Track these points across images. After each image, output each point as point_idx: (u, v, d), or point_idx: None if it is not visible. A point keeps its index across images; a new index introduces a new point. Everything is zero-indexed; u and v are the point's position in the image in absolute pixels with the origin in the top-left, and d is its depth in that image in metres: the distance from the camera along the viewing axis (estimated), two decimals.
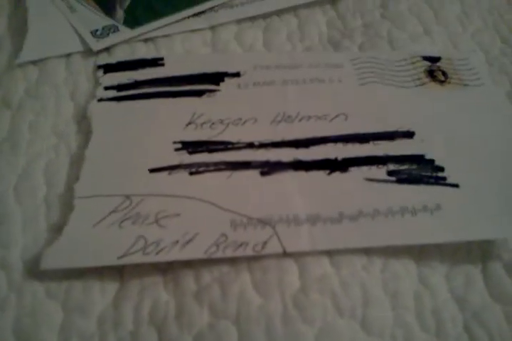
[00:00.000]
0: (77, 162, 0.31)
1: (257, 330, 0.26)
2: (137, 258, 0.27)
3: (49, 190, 0.30)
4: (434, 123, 0.33)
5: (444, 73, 0.37)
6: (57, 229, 0.28)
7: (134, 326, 0.26)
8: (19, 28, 0.38)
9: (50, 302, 0.27)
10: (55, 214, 0.29)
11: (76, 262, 0.27)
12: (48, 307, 0.27)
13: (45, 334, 0.26)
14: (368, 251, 0.29)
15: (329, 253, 0.28)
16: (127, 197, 0.29)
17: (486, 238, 0.29)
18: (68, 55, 0.37)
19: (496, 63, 0.38)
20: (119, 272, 0.28)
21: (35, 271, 0.27)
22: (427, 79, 0.36)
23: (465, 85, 0.36)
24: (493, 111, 0.35)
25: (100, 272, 0.28)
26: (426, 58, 0.38)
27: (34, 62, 0.36)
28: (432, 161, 0.31)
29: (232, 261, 0.28)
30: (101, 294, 0.27)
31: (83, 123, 0.33)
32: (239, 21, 0.40)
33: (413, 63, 0.37)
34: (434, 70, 0.37)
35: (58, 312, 0.27)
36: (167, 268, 0.28)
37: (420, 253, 0.29)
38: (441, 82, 0.36)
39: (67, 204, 0.29)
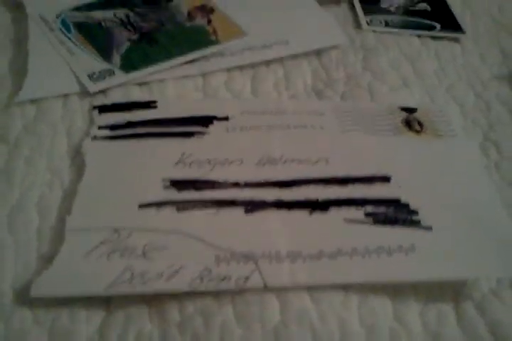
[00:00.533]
0: (69, 196, 0.32)
1: None
2: (123, 289, 0.28)
3: (41, 221, 0.32)
4: (409, 169, 0.36)
5: (419, 123, 0.39)
6: (47, 259, 0.29)
7: None
8: (20, 69, 0.40)
9: (37, 328, 0.28)
10: (47, 244, 0.31)
11: (65, 291, 0.28)
12: (34, 334, 0.27)
13: None
14: (346, 288, 0.30)
15: (309, 288, 0.30)
16: (116, 230, 0.30)
17: (458, 278, 0.31)
18: (66, 96, 0.39)
19: (469, 116, 0.41)
20: (106, 301, 0.29)
21: (24, 298, 0.28)
22: (404, 129, 0.39)
23: (439, 135, 0.38)
24: (465, 161, 0.37)
25: (87, 301, 0.29)
26: (404, 109, 0.40)
27: (32, 101, 0.38)
28: (407, 205, 0.33)
29: (216, 293, 0.29)
30: (87, 322, 0.28)
31: (76, 159, 0.35)
32: (229, 69, 0.42)
33: (391, 113, 0.40)
34: (411, 120, 0.39)
35: (44, 339, 0.27)
36: (152, 299, 0.29)
37: (395, 290, 0.31)
38: (417, 132, 0.38)
39: (59, 235, 0.30)
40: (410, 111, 0.40)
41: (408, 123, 0.39)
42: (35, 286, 0.28)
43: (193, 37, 0.43)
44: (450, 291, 0.31)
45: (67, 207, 0.32)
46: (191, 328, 0.28)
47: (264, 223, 0.32)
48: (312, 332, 0.28)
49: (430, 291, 0.31)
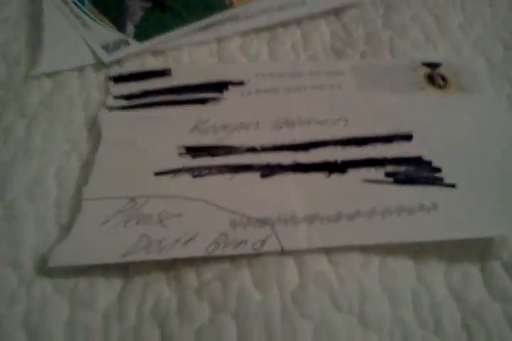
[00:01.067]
0: (87, 166, 0.33)
1: (255, 325, 0.27)
2: (140, 256, 0.28)
3: (60, 192, 0.32)
4: (432, 126, 0.34)
5: (443, 78, 0.37)
6: (66, 229, 0.30)
7: (137, 321, 0.27)
8: (36, 43, 0.40)
9: (57, 297, 0.28)
10: (65, 215, 0.31)
11: (83, 260, 0.28)
12: (55, 302, 0.28)
13: (53, 327, 0.27)
14: (365, 250, 0.29)
15: (327, 251, 0.29)
16: (132, 198, 0.30)
17: (483, 236, 0.30)
18: (81, 68, 0.39)
19: (497, 69, 0.39)
20: (124, 269, 0.29)
21: (44, 268, 0.29)
22: (426, 84, 0.37)
23: (464, 91, 0.37)
24: (491, 116, 0.35)
25: (106, 269, 0.29)
26: (426, 64, 0.38)
27: (48, 75, 0.38)
28: (429, 163, 0.32)
29: (233, 258, 0.29)
30: (106, 290, 0.29)
31: (93, 130, 0.35)
32: (244, 33, 0.41)
33: (413, 69, 0.38)
34: (434, 75, 0.38)
35: (65, 306, 0.28)
36: (170, 266, 0.29)
37: (418, 251, 0.30)
38: (441, 87, 0.37)
39: (77, 205, 0.31)
40: (433, 66, 0.38)
41: (431, 79, 0.37)
42: (53, 256, 0.28)
43: (206, 2, 0.42)
44: (476, 251, 0.30)
45: (85, 177, 0.32)
46: (209, 293, 0.28)
47: (280, 187, 0.31)
48: (331, 295, 0.28)
49: (455, 252, 0.30)
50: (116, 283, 0.29)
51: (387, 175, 0.32)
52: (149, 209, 0.30)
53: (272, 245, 0.29)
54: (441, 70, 0.38)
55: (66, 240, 0.29)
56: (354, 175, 0.32)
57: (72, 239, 0.29)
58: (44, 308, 0.28)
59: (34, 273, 0.29)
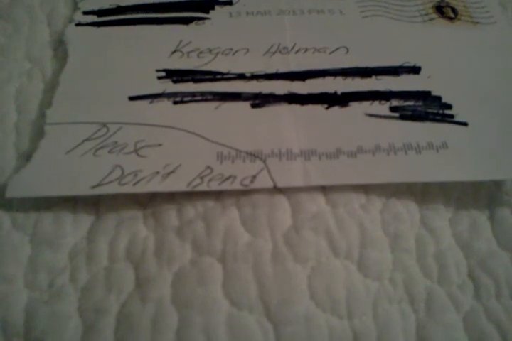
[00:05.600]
0: (51, 88, 0.28)
1: (243, 268, 0.24)
2: (113, 189, 0.24)
3: (20, 116, 0.28)
4: (442, 59, 0.31)
5: (453, 10, 0.34)
6: (26, 158, 0.26)
7: (108, 261, 0.24)
8: None
9: (17, 234, 0.25)
10: (26, 141, 0.27)
11: (45, 191, 0.24)
12: (14, 239, 0.25)
13: (11, 267, 0.24)
14: (367, 190, 0.26)
15: (324, 190, 0.26)
16: (104, 124, 0.26)
17: (495, 178, 0.27)
18: None
19: (509, 6, 0.35)
20: (95, 204, 0.26)
21: (1, 200, 0.25)
22: (435, 15, 0.33)
23: (476, 23, 0.33)
24: (505, 50, 0.32)
25: (73, 204, 0.25)
26: None
27: None
28: (439, 98, 0.29)
29: (218, 195, 0.26)
30: (73, 227, 0.25)
31: (60, 49, 0.30)
32: None
33: None
34: (443, 6, 0.34)
35: (26, 244, 0.24)
36: (147, 202, 0.26)
37: (423, 195, 0.27)
38: (451, 19, 0.33)
39: (39, 131, 0.27)
40: None
41: (440, 10, 0.34)
42: (11, 186, 0.24)
43: None
44: (485, 197, 0.27)
45: (49, 100, 0.28)
46: (192, 233, 0.25)
47: (273, 118, 0.28)
48: (328, 238, 0.25)
49: (462, 197, 0.27)
50: (85, 220, 0.25)
51: (393, 109, 0.28)
52: (124, 138, 0.26)
53: (263, 181, 0.25)
54: (451, 1, 0.34)
55: (26, 168, 0.25)
56: (356, 108, 0.28)
57: (33, 167, 0.25)
58: (1, 247, 0.24)
59: None
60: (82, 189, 0.24)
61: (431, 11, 0.34)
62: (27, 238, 0.25)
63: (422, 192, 0.27)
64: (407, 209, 0.26)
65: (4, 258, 0.24)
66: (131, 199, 0.26)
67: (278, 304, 0.23)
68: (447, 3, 0.34)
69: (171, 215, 0.25)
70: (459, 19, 0.33)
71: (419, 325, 0.24)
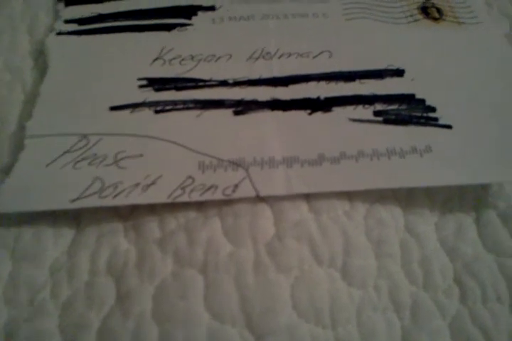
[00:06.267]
0: (31, 100, 0.28)
1: (225, 279, 0.24)
2: (92, 202, 0.24)
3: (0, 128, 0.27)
4: (426, 61, 0.31)
5: (438, 10, 0.34)
6: (6, 172, 0.26)
7: (89, 276, 0.24)
8: None
9: None
10: (5, 155, 0.27)
11: (25, 206, 0.24)
12: None
13: None
14: (350, 197, 0.26)
15: (307, 197, 0.26)
16: (84, 136, 0.26)
17: (480, 182, 0.26)
18: None
19: (494, 4, 0.35)
20: (75, 218, 0.25)
21: None
22: (420, 16, 0.33)
23: (461, 23, 0.33)
24: (490, 50, 0.32)
25: (54, 218, 0.25)
26: None
27: None
28: (422, 101, 0.29)
29: (200, 206, 0.25)
30: (54, 241, 0.25)
31: (40, 59, 0.30)
32: None
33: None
34: (428, 7, 0.34)
35: (6, 260, 0.24)
36: (128, 215, 0.25)
37: (408, 200, 0.27)
38: (436, 19, 0.33)
39: (19, 144, 0.26)
40: None
41: (425, 10, 0.33)
42: None
43: None
44: (470, 200, 0.27)
45: (29, 112, 0.27)
46: (173, 245, 0.25)
47: (256, 125, 0.27)
48: (311, 246, 0.25)
49: (447, 201, 0.27)
50: (66, 234, 0.25)
51: (376, 113, 0.28)
52: (104, 149, 0.26)
53: (245, 190, 0.25)
54: (436, 1, 0.34)
55: (6, 183, 0.25)
56: (339, 113, 0.28)
57: (12, 181, 0.25)
58: None
59: None
60: (62, 203, 0.24)
61: (416, 11, 0.33)
62: (7, 254, 0.24)
63: (407, 197, 0.27)
64: (391, 215, 0.26)
65: None
66: (112, 212, 0.25)
67: (260, 314, 0.23)
68: (432, 3, 0.34)
69: (152, 227, 0.25)
70: (444, 19, 0.33)
71: (405, 332, 0.23)
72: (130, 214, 0.25)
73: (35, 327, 0.23)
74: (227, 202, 0.25)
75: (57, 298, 0.23)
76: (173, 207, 0.25)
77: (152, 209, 0.25)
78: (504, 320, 0.24)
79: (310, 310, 0.23)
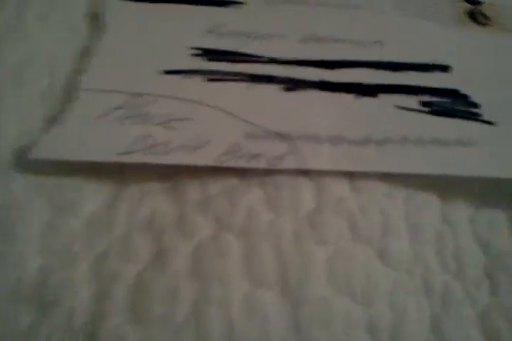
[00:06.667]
0: (86, 57, 0.28)
1: (264, 246, 0.23)
2: (140, 157, 0.24)
3: (52, 81, 0.27)
4: (471, 61, 0.31)
5: (485, 16, 0.34)
6: (55, 121, 0.26)
7: (127, 231, 0.24)
8: None
9: (35, 196, 0.24)
10: (56, 105, 0.27)
11: (70, 155, 0.24)
12: (32, 202, 0.24)
13: (28, 230, 0.23)
14: (391, 180, 0.26)
15: (350, 176, 0.26)
16: (135, 95, 0.26)
17: None
18: None
19: None
20: (118, 173, 0.25)
21: (24, 162, 0.24)
22: (467, 20, 0.34)
23: (509, 31, 0.33)
24: None
25: (96, 171, 0.25)
26: (468, 1, 0.35)
27: None
28: (466, 96, 0.29)
29: (243, 174, 0.25)
30: (94, 194, 0.25)
31: (96, 20, 0.30)
32: None
33: (454, 3, 0.34)
34: (476, 12, 0.34)
35: (43, 208, 0.24)
36: (171, 175, 0.25)
37: (445, 190, 0.27)
38: (483, 25, 0.34)
39: (69, 97, 0.26)
40: (475, 3, 0.35)
41: (472, 15, 0.34)
42: (35, 147, 0.24)
43: None
44: (506, 197, 0.27)
45: (83, 67, 0.28)
46: (213, 209, 0.24)
47: (304, 103, 0.28)
48: (350, 221, 0.25)
49: (484, 196, 0.27)
50: (107, 189, 0.25)
51: (422, 104, 0.28)
52: (155, 109, 0.26)
53: (290, 162, 0.25)
54: (483, 8, 0.35)
55: (53, 130, 0.25)
56: (385, 99, 0.28)
57: (60, 129, 0.25)
58: (19, 208, 0.24)
59: (12, 168, 0.25)
60: (108, 156, 0.24)
61: (463, 16, 0.34)
62: (45, 201, 0.24)
63: (445, 187, 0.27)
64: (429, 203, 0.26)
65: (21, 219, 0.24)
66: (155, 172, 0.25)
67: (296, 284, 0.23)
68: (480, 10, 0.34)
69: (194, 190, 0.25)
70: (491, 25, 0.34)
71: (434, 318, 0.23)
72: (173, 175, 0.25)
73: (66, 275, 0.22)
74: (270, 173, 0.25)
75: (92, 249, 0.23)
76: (215, 172, 0.25)
77: (195, 172, 0.25)
78: None
79: (344, 285, 0.23)
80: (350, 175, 0.26)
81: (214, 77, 0.28)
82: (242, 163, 0.25)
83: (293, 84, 0.28)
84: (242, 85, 0.28)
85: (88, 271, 0.23)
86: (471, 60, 0.31)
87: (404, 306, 0.23)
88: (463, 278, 0.24)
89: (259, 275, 0.23)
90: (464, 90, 0.29)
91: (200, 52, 0.29)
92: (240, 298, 0.22)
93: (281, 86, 0.28)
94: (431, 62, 0.30)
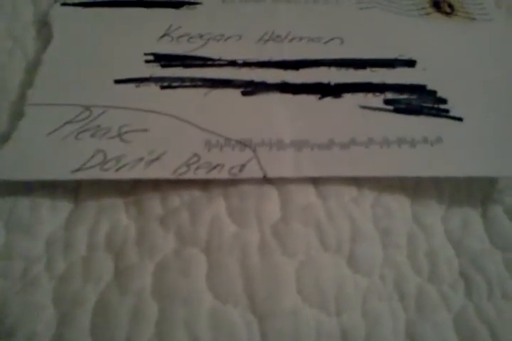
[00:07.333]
0: (32, 69, 0.27)
1: (229, 260, 0.23)
2: (94, 174, 0.23)
3: None
4: (437, 53, 0.30)
5: (450, 5, 0.33)
6: (5, 139, 0.25)
7: (87, 250, 0.23)
8: None
9: None
10: (3, 122, 0.26)
11: (23, 174, 0.23)
12: None
13: None
14: (358, 184, 0.25)
15: (315, 182, 0.25)
16: (87, 107, 0.25)
17: (489, 175, 0.26)
18: None
19: (503, 4, 0.35)
20: (74, 191, 0.24)
21: None
22: (431, 10, 0.33)
23: (472, 19, 0.33)
24: (502, 46, 0.31)
25: (52, 189, 0.24)
26: None
27: None
28: (434, 92, 0.28)
29: (205, 185, 0.24)
30: (51, 213, 0.24)
31: (43, 29, 0.29)
32: None
33: None
34: (440, 2, 0.33)
35: (0, 230, 0.23)
36: (129, 190, 0.24)
37: (415, 190, 0.26)
38: (447, 14, 0.33)
39: (18, 112, 0.25)
40: None
41: (437, 5, 0.33)
42: None
43: None
44: (477, 195, 0.26)
45: (30, 80, 0.26)
46: (176, 223, 0.24)
47: (265, 107, 0.27)
48: (318, 230, 0.24)
49: (455, 194, 0.26)
50: (64, 207, 0.24)
51: (387, 102, 0.27)
52: (108, 121, 0.25)
53: (252, 171, 0.24)
54: None
55: (3, 150, 0.24)
56: (349, 99, 0.27)
57: (10, 148, 0.24)
58: None
59: None
60: (62, 173, 0.23)
61: (427, 5, 0.33)
62: (1, 223, 0.23)
63: (415, 188, 0.26)
64: (399, 205, 0.25)
65: None
66: (112, 187, 0.24)
67: (264, 297, 0.22)
68: None
69: (154, 204, 0.24)
70: (456, 14, 0.33)
71: (409, 323, 0.23)
72: (131, 189, 0.24)
73: (27, 299, 0.22)
74: (233, 183, 0.24)
75: (52, 271, 0.22)
76: (176, 184, 0.24)
77: (155, 185, 0.24)
78: (510, 316, 0.23)
79: (315, 296, 0.22)
80: (316, 182, 0.25)
81: (169, 84, 0.27)
82: (201, 175, 0.24)
83: (252, 88, 0.27)
84: (199, 91, 0.27)
85: (49, 294, 0.22)
86: (436, 51, 0.30)
87: (378, 313, 0.23)
88: (437, 281, 0.24)
89: (225, 291, 0.22)
90: (431, 85, 0.28)
91: (152, 58, 0.27)
92: (205, 314, 0.21)
93: (240, 90, 0.27)
94: (395, 57, 0.29)
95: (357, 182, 0.25)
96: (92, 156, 0.24)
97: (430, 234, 0.25)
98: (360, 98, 0.27)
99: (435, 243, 0.25)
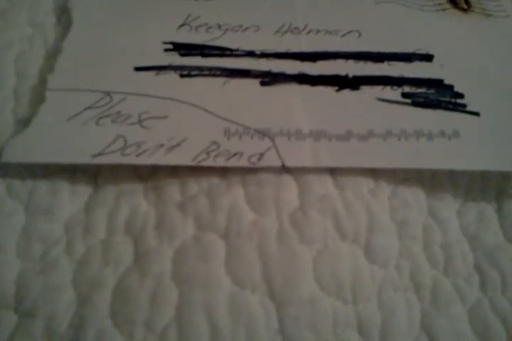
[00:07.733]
0: (53, 55, 0.27)
1: (248, 246, 0.23)
2: (114, 159, 0.23)
3: (19, 81, 0.27)
4: (455, 49, 0.30)
5: (466, 2, 0.33)
6: (25, 123, 0.25)
7: (106, 234, 0.23)
8: None
9: (11, 201, 0.23)
10: (25, 107, 0.26)
11: (43, 157, 0.23)
12: (9, 207, 0.23)
13: (3, 235, 0.23)
14: (375, 175, 0.26)
15: (333, 172, 0.25)
16: (107, 93, 0.25)
17: (505, 169, 0.26)
18: None
19: None
20: (94, 175, 0.24)
21: None
22: (448, 6, 0.33)
23: (489, 15, 0.33)
24: None
25: (72, 173, 0.24)
26: None
27: None
28: (451, 87, 0.28)
29: (224, 172, 0.25)
30: (71, 197, 0.24)
31: (63, 16, 0.29)
32: None
33: None
34: None
35: (20, 213, 0.23)
36: (148, 176, 0.25)
37: (431, 184, 0.26)
38: (464, 10, 0.33)
39: (39, 98, 0.25)
40: None
41: (453, 1, 0.33)
42: (7, 151, 0.23)
43: None
44: (493, 190, 0.26)
45: (51, 66, 0.27)
46: (194, 209, 0.24)
47: (283, 97, 0.27)
48: (335, 220, 0.24)
49: (470, 188, 0.26)
50: (84, 191, 0.24)
51: (404, 95, 0.27)
52: (128, 108, 0.25)
53: (271, 159, 0.24)
54: None
55: (24, 133, 0.24)
56: (367, 92, 0.27)
57: (31, 132, 0.24)
58: None
59: None
60: (83, 157, 0.23)
61: (444, 1, 0.33)
62: (22, 206, 0.23)
63: (431, 181, 0.26)
64: (415, 197, 0.25)
65: None
66: (132, 172, 0.24)
67: (282, 284, 0.22)
68: None
69: (173, 190, 0.24)
70: (472, 11, 0.33)
71: (424, 314, 0.23)
72: (151, 175, 0.25)
73: (47, 281, 0.22)
74: (251, 171, 0.25)
75: (71, 254, 0.22)
76: (195, 171, 0.24)
77: (174, 172, 0.24)
78: None
79: (332, 284, 0.22)
80: (333, 172, 0.25)
81: (188, 72, 0.27)
82: (221, 162, 0.24)
83: (271, 78, 0.27)
84: (218, 80, 0.27)
85: (69, 276, 0.22)
86: (454, 48, 0.30)
87: (394, 304, 0.23)
88: (452, 274, 0.24)
89: (243, 277, 0.22)
90: (448, 80, 0.28)
91: (171, 47, 0.28)
92: (224, 299, 0.22)
93: (259, 80, 0.27)
94: (413, 52, 0.29)
95: (374, 174, 0.26)
96: (113, 141, 0.24)
97: (445, 228, 0.25)
98: (377, 91, 0.27)
99: (450, 236, 0.25)
